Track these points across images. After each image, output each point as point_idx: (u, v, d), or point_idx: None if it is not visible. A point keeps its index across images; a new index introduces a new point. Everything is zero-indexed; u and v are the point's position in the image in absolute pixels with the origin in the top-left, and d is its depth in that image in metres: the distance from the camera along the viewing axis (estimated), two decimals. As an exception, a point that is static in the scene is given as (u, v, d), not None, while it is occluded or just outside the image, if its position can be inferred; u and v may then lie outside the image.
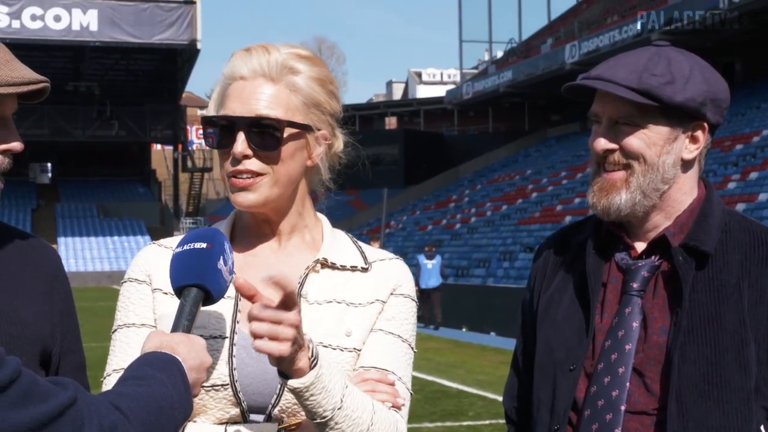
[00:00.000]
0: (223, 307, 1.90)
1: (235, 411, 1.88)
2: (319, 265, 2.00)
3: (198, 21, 42.75)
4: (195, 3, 42.94)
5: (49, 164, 55.41)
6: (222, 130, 1.94)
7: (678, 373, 1.92)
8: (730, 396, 1.91)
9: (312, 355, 1.76)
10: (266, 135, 1.91)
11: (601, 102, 2.06)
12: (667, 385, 1.93)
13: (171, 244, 2.02)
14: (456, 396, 12.38)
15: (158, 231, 48.30)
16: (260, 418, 1.89)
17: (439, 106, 55.98)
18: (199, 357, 1.68)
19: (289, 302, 1.68)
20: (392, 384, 1.94)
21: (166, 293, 1.94)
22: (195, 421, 1.88)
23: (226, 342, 1.90)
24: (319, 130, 1.99)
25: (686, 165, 2.06)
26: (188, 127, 56.44)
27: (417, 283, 21.08)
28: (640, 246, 2.07)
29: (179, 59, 48.51)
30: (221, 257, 1.77)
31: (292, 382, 1.74)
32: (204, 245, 1.77)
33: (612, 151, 2.03)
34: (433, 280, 22.79)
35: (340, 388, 1.81)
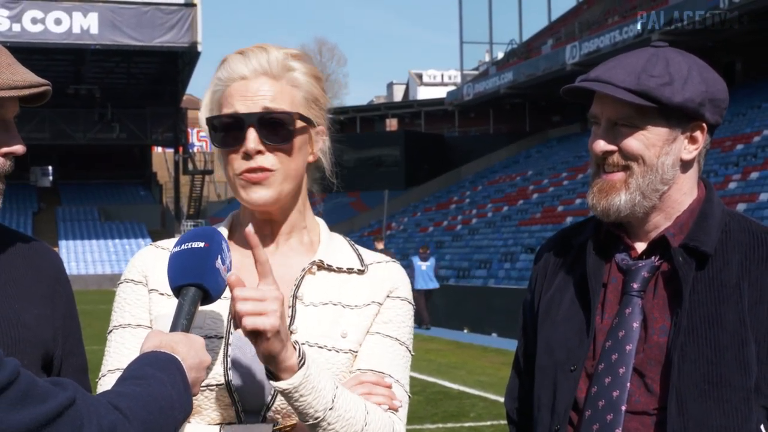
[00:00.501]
0: (219, 307, 1.91)
1: (229, 412, 1.88)
2: (315, 267, 2.01)
3: (198, 23, 42.77)
4: (195, 5, 42.96)
5: (50, 167, 55.42)
6: (228, 129, 1.94)
7: (678, 372, 1.92)
8: (730, 395, 1.91)
9: (299, 356, 1.77)
10: (277, 129, 1.93)
11: (599, 103, 2.06)
12: (668, 385, 1.93)
13: (168, 245, 2.02)
14: (457, 397, 12.37)
15: (159, 234, 48.28)
16: (255, 419, 1.89)
17: (439, 108, 55.94)
18: (198, 356, 1.69)
19: (262, 270, 1.73)
20: (389, 387, 1.95)
21: (162, 294, 1.95)
22: (190, 422, 1.88)
23: (221, 342, 1.90)
24: (318, 125, 2.02)
25: (685, 165, 2.06)
26: (189, 130, 56.41)
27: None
28: (641, 246, 2.08)
29: (180, 62, 48.50)
30: (219, 256, 1.77)
31: (281, 384, 1.75)
32: (202, 244, 1.77)
33: (611, 152, 2.04)
34: (431, 283, 22.81)
35: (330, 389, 1.81)
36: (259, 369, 1.87)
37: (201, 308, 1.79)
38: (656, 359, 1.97)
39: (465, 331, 22.45)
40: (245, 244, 2.01)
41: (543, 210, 33.21)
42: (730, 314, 1.95)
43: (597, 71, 2.05)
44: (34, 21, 40.51)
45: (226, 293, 1.86)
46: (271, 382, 1.77)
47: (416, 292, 22.13)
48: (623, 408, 1.96)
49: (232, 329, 1.91)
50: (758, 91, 33.40)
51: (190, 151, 56.54)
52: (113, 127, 50.87)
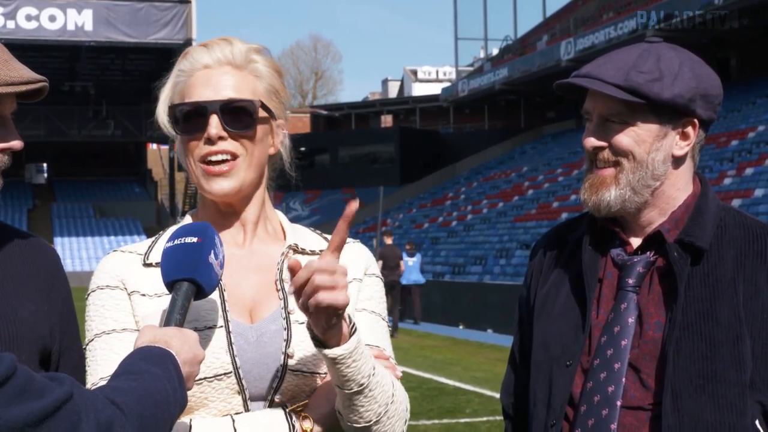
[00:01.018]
0: (210, 299, 1.91)
1: (237, 400, 1.88)
2: (291, 252, 2.02)
3: (193, 20, 42.67)
4: (190, 2, 42.86)
5: (45, 164, 55.30)
6: (190, 116, 1.96)
7: (673, 368, 1.93)
8: (724, 390, 1.92)
9: (349, 322, 1.79)
10: (240, 116, 1.95)
11: (591, 99, 2.07)
12: (663, 380, 1.94)
13: (134, 249, 2.02)
14: (453, 393, 12.38)
15: (154, 230, 47.87)
16: (260, 405, 1.90)
17: (434, 104, 55.87)
18: (192, 350, 1.69)
19: (338, 242, 1.73)
20: (388, 359, 1.98)
21: (144, 295, 1.94)
22: (197, 416, 1.88)
23: (222, 331, 1.90)
24: (279, 118, 2.04)
25: (677, 161, 2.06)
26: (184, 127, 56.20)
27: (399, 281, 21.27)
28: (636, 242, 2.08)
29: (175, 59, 48.29)
30: (212, 251, 1.78)
31: (336, 350, 1.75)
32: (195, 240, 1.78)
33: (602, 148, 2.05)
34: (414, 276, 22.87)
35: (369, 354, 1.84)
36: (263, 353, 1.89)
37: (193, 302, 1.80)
38: (651, 354, 1.98)
39: (460, 327, 22.46)
40: None
41: (538, 206, 33.21)
42: (725, 309, 1.95)
43: (588, 67, 2.06)
44: (29, 18, 40.39)
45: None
46: (324, 351, 1.76)
47: (403, 288, 22.24)
48: (618, 403, 1.97)
49: (230, 317, 1.92)
50: (753, 87, 33.42)
51: (185, 147, 56.31)
52: (108, 124, 50.78)
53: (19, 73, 1.89)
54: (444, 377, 13.80)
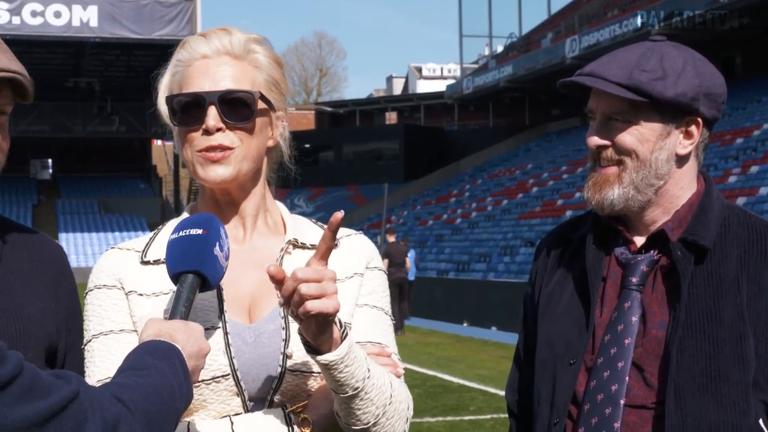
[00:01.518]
0: (207, 298, 1.89)
1: (236, 401, 1.86)
2: (291, 247, 2.00)
3: (198, 17, 42.65)
4: (195, -2, 42.87)
5: (49, 160, 55.32)
6: (188, 107, 1.93)
7: (676, 367, 1.93)
8: (728, 389, 1.91)
9: (341, 327, 1.76)
10: (239, 108, 1.91)
11: (595, 98, 2.07)
12: (666, 379, 1.93)
13: (132, 246, 2.00)
14: (457, 390, 12.39)
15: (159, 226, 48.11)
16: (260, 406, 1.88)
17: (439, 101, 55.82)
18: (198, 344, 1.67)
19: (325, 249, 1.71)
20: (389, 356, 1.96)
21: (141, 295, 1.92)
22: (195, 418, 1.86)
23: (219, 332, 1.88)
24: (279, 110, 2.01)
25: (681, 160, 2.06)
26: (189, 123, 56.20)
27: (406, 278, 21.23)
28: (640, 240, 2.08)
29: (179, 54, 48.24)
30: (217, 243, 1.76)
31: (328, 356, 1.73)
32: (200, 231, 1.76)
33: (605, 147, 2.04)
34: (411, 273, 22.85)
35: (363, 356, 1.81)
36: (261, 354, 1.87)
37: None
38: (655, 353, 1.98)
39: (465, 324, 22.46)
40: None
41: (542, 204, 33.20)
42: (728, 308, 1.95)
43: (592, 66, 2.06)
44: (34, 14, 40.39)
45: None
46: (317, 357, 1.75)
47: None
48: (622, 402, 1.97)
49: (227, 317, 1.90)
50: (758, 86, 33.37)
51: (190, 144, 56.29)
52: (113, 120, 50.75)
53: None
54: (448, 374, 13.81)
